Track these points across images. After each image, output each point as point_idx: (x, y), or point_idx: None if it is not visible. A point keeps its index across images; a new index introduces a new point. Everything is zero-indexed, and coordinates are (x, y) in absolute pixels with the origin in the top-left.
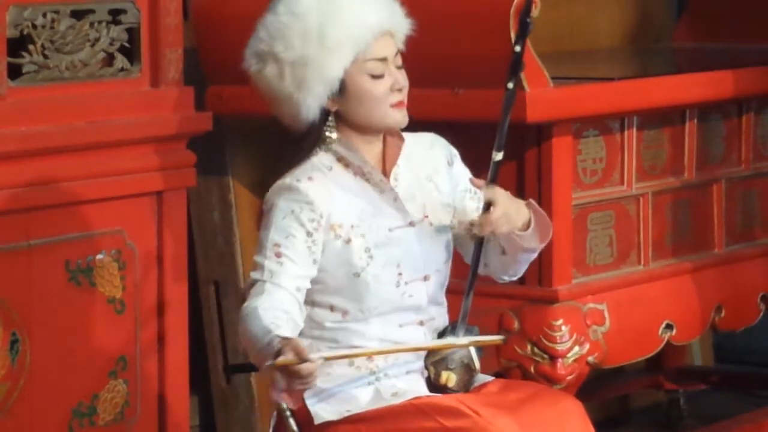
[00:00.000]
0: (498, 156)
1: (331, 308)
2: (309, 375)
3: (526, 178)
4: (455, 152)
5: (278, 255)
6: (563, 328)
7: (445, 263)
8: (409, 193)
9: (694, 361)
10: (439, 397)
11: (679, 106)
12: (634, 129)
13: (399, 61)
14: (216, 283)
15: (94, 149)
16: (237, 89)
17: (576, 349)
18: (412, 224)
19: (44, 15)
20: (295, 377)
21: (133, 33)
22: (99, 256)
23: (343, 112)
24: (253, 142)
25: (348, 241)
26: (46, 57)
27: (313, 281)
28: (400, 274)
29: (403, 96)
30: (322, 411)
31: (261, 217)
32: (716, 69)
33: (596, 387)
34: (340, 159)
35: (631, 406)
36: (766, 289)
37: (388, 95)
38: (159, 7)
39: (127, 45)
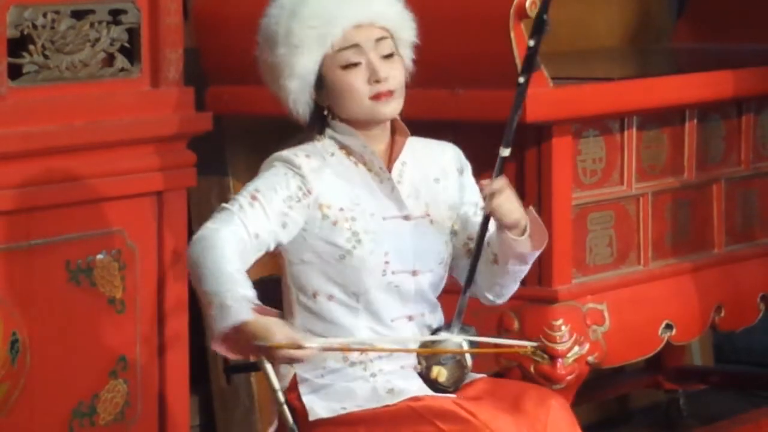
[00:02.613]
0: (505, 152)
1: (314, 294)
2: (302, 360)
3: (526, 178)
4: (467, 164)
5: (253, 197)
6: (563, 328)
7: (440, 264)
8: (413, 189)
9: (694, 361)
10: (436, 400)
11: (679, 106)
12: (634, 129)
13: (386, 49)
14: None
15: (94, 149)
16: (237, 89)
17: (576, 349)
18: (407, 218)
19: (44, 15)
20: (287, 359)
21: (133, 33)
22: (99, 256)
23: (331, 105)
24: (253, 142)
25: (335, 223)
26: (46, 57)
27: (298, 262)
28: (387, 262)
29: (385, 87)
30: (317, 407)
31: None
32: (716, 69)
33: (596, 387)
34: (342, 147)
35: (631, 406)
36: (766, 289)
37: (363, 87)
38: (159, 7)
39: (127, 45)
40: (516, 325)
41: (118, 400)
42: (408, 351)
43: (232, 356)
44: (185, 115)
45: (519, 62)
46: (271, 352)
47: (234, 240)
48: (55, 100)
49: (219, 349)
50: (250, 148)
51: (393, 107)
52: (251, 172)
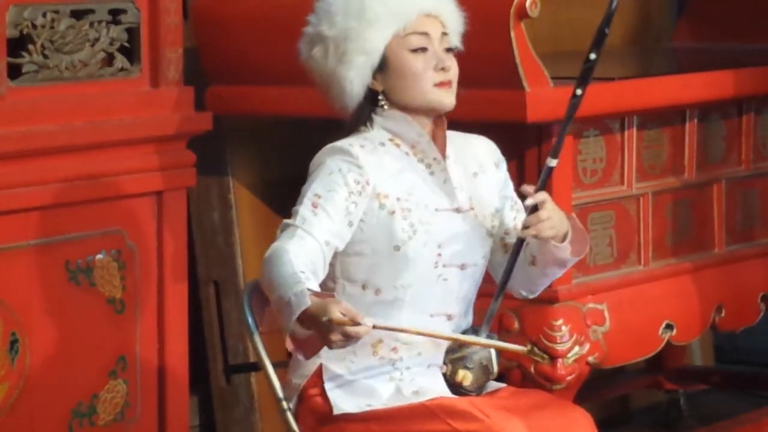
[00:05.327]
0: (552, 162)
1: (364, 286)
2: (358, 337)
3: (526, 179)
4: (502, 158)
5: (315, 205)
6: (563, 328)
7: (483, 258)
8: (458, 182)
9: (694, 361)
10: (450, 400)
11: (679, 106)
12: (634, 129)
13: (447, 43)
14: (216, 283)
15: (94, 149)
16: (237, 89)
17: (576, 349)
18: (458, 210)
19: (44, 15)
20: (343, 336)
21: (133, 33)
22: (99, 256)
23: (388, 90)
24: (253, 142)
25: (392, 213)
26: (46, 57)
27: (352, 253)
28: (439, 254)
29: (448, 77)
30: (341, 402)
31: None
32: (716, 69)
33: (596, 387)
34: (392, 138)
35: (631, 406)
36: (766, 289)
37: (429, 73)
38: (159, 7)
39: (127, 45)
40: (516, 325)
41: (118, 400)
42: (458, 340)
43: (303, 354)
44: (185, 115)
45: (519, 62)
46: (329, 331)
47: (302, 252)
48: (54, 99)
49: (291, 348)
50: (250, 148)
51: (452, 98)
52: (251, 172)
